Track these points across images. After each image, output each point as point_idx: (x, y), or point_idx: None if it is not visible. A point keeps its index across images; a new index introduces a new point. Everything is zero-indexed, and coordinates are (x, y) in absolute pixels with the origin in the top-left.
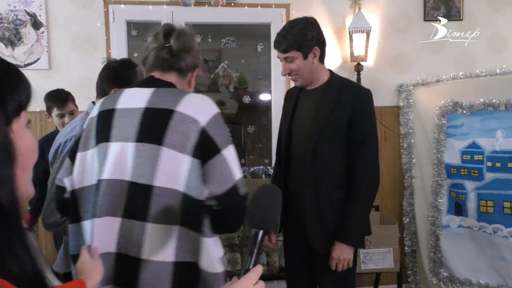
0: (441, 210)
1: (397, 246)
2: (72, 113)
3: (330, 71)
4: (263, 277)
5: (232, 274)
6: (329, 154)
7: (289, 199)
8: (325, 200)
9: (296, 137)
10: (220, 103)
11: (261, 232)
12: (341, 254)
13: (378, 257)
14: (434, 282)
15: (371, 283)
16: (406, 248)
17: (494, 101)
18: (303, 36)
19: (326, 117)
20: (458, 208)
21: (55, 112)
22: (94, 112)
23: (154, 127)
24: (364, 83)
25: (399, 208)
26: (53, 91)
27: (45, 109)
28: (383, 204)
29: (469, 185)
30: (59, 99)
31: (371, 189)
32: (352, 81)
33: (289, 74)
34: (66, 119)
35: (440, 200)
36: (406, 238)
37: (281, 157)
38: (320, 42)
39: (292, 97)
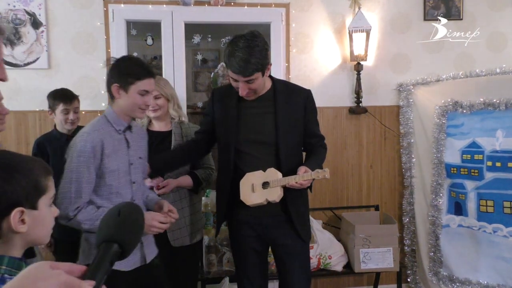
0: (441, 209)
1: (397, 245)
2: (76, 112)
3: (270, 76)
4: None
5: (231, 274)
6: (293, 152)
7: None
8: (298, 194)
9: (252, 145)
10: None
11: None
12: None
13: (377, 257)
14: (434, 282)
15: (370, 283)
16: (406, 248)
17: (494, 100)
18: (265, 57)
19: (285, 120)
20: (458, 208)
21: (60, 108)
22: None
23: None
24: (364, 82)
25: (398, 207)
26: (60, 89)
27: (46, 108)
28: (383, 203)
29: (469, 184)
30: (67, 96)
31: (324, 156)
32: (290, 82)
33: (246, 93)
34: (71, 115)
35: (440, 200)
36: (406, 238)
37: (230, 165)
38: (269, 55)
39: (230, 105)
